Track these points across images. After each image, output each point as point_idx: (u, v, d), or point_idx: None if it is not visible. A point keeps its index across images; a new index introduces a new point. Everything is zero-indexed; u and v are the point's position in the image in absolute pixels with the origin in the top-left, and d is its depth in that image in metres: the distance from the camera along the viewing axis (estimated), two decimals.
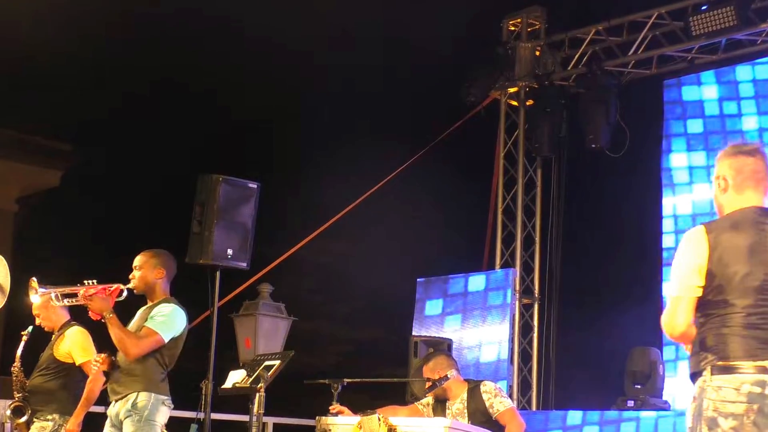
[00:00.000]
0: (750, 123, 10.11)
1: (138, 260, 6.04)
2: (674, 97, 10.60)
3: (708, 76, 10.46)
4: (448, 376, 6.83)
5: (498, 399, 6.67)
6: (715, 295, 3.93)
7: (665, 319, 4.01)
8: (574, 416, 9.59)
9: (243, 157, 10.70)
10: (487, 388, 6.74)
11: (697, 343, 3.95)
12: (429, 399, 6.91)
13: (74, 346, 6.68)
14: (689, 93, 10.54)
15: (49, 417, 6.61)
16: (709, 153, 10.26)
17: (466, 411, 6.72)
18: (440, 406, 6.89)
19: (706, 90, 10.45)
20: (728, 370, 3.84)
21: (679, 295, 3.98)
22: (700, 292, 3.95)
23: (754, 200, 4.08)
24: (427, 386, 7.06)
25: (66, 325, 6.77)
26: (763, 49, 10.10)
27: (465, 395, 6.78)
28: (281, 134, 11.47)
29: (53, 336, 6.80)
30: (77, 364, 6.64)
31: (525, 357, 10.91)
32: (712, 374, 3.85)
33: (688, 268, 3.97)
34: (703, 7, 9.82)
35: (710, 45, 10.27)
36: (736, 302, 3.90)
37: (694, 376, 3.95)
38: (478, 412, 6.66)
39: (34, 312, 6.79)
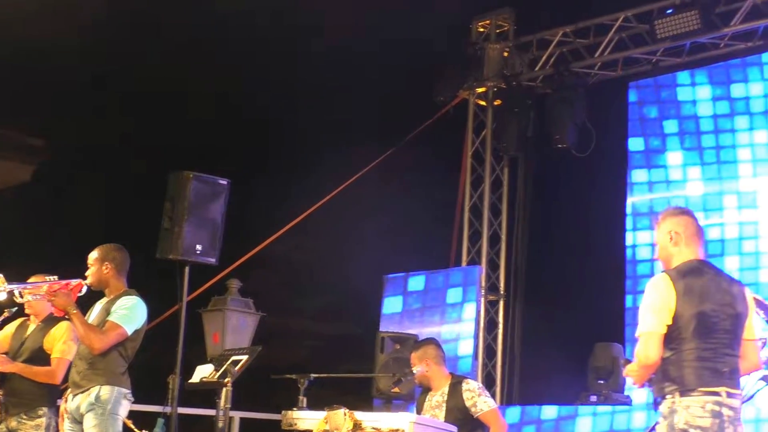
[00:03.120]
0: (708, 124, 10.30)
1: (90, 257, 6.13)
2: (638, 98, 10.77)
3: (669, 78, 10.64)
4: (414, 371, 6.97)
5: (482, 398, 6.81)
6: (678, 333, 4.66)
7: (642, 352, 4.68)
8: (534, 411, 9.75)
9: (214, 154, 10.75)
10: (470, 386, 6.88)
11: (660, 372, 4.68)
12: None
13: (60, 339, 6.46)
14: (654, 94, 10.71)
15: (40, 412, 6.37)
16: (670, 154, 10.46)
17: (444, 405, 6.85)
18: (423, 395, 7.03)
19: (664, 92, 10.63)
20: (692, 393, 4.60)
21: (654, 331, 4.67)
22: (666, 330, 4.67)
23: (698, 253, 4.93)
24: (394, 380, 7.20)
25: (53, 318, 6.55)
26: (726, 52, 10.29)
27: (447, 389, 6.90)
28: (251, 132, 11.52)
29: (34, 327, 6.56)
30: (52, 356, 6.46)
31: (490, 353, 11.07)
32: (680, 396, 4.60)
33: (660, 309, 4.69)
34: (669, 11, 10.00)
35: (675, 48, 10.45)
36: (694, 339, 4.65)
37: (658, 400, 4.67)
38: (456, 408, 6.79)
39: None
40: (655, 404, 4.73)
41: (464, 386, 6.85)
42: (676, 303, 4.67)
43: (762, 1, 9.77)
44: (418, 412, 6.98)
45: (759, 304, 6.38)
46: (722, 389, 4.64)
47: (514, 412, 9.81)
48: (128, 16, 10.36)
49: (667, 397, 4.63)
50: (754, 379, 6.14)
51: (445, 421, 6.64)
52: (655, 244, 4.99)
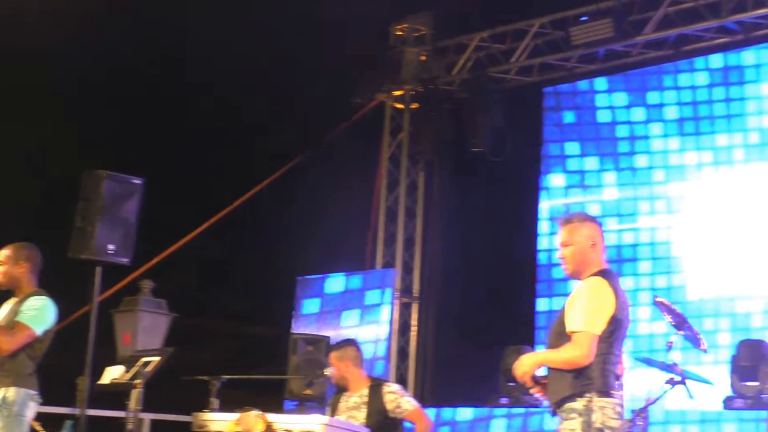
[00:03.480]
0: (623, 131, 10.49)
1: (1, 255, 6.01)
2: (555, 104, 10.94)
3: (586, 84, 10.82)
4: (332, 372, 6.98)
5: (405, 399, 6.88)
6: (605, 337, 4.74)
7: (583, 351, 4.68)
8: (448, 413, 9.82)
9: (129, 154, 10.61)
10: (392, 389, 6.94)
11: (576, 370, 4.72)
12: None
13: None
14: (571, 100, 10.88)
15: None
16: (585, 159, 10.63)
17: (365, 407, 6.85)
18: (337, 395, 7.03)
19: (581, 98, 10.81)
20: (607, 395, 4.71)
21: (595, 333, 4.71)
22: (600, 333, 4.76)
23: (606, 262, 5.01)
24: (306, 382, 7.19)
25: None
26: (639, 60, 10.50)
27: (366, 391, 6.92)
28: (168, 131, 11.41)
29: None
30: None
31: (403, 356, 11.12)
32: (597, 396, 4.68)
33: (602, 311, 4.75)
34: (583, 18, 10.16)
35: (590, 54, 10.62)
36: (612, 344, 4.77)
37: (572, 396, 4.71)
38: (377, 411, 6.81)
39: None
40: (561, 402, 4.73)
41: (386, 389, 6.90)
42: (614, 307, 4.75)
43: (673, 11, 9.98)
44: (332, 412, 6.99)
45: (666, 308, 6.53)
46: (620, 393, 4.79)
47: (429, 414, 9.84)
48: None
49: (585, 395, 4.68)
50: (661, 382, 6.29)
51: (366, 424, 6.69)
52: (563, 246, 4.97)
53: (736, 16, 9.73)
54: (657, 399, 6.33)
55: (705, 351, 6.82)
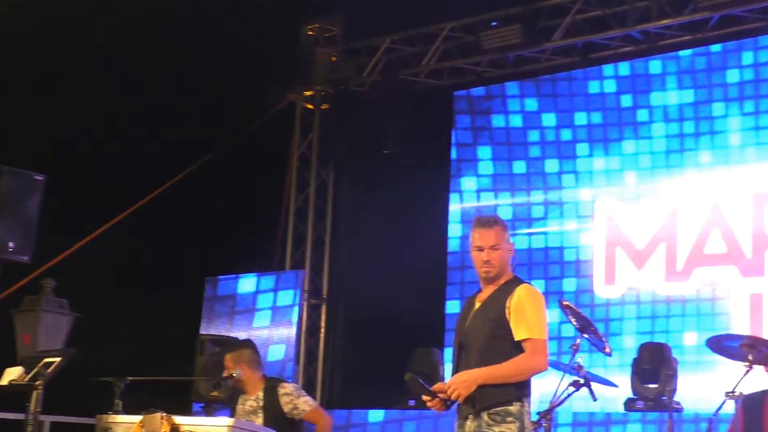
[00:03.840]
0: (534, 136, 10.61)
1: None
2: (466, 107, 11.01)
3: (498, 89, 10.92)
4: (234, 375, 6.89)
5: (301, 400, 6.79)
6: None
7: (546, 358, 4.87)
8: (358, 415, 9.82)
9: (30, 150, 10.38)
10: (287, 390, 6.83)
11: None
12: None
13: None
14: (482, 104, 10.96)
15: None
16: (496, 162, 10.72)
17: (261, 411, 6.79)
18: (234, 398, 6.95)
19: (492, 102, 10.90)
20: (529, 399, 4.88)
21: (546, 340, 4.88)
22: None
23: None
24: (213, 384, 7.10)
25: None
26: (547, 66, 10.63)
27: (261, 394, 6.85)
28: (74, 129, 11.20)
29: None
30: None
31: (311, 358, 11.08)
32: (527, 404, 4.84)
33: (546, 319, 4.92)
34: (493, 23, 10.26)
35: (499, 59, 10.72)
36: None
37: (510, 401, 4.78)
38: (273, 413, 6.74)
39: None
40: (492, 406, 4.77)
41: (281, 391, 6.81)
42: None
43: (581, 19, 10.14)
44: (232, 416, 6.91)
45: (571, 311, 6.61)
46: None
47: (340, 416, 9.83)
48: None
49: (523, 400, 4.81)
50: (565, 384, 6.36)
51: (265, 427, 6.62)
52: (492, 249, 4.97)
53: (641, 26, 9.93)
54: (561, 401, 6.39)
55: (609, 354, 6.92)
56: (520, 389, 4.82)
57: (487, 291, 5.02)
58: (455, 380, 4.84)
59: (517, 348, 4.84)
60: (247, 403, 6.86)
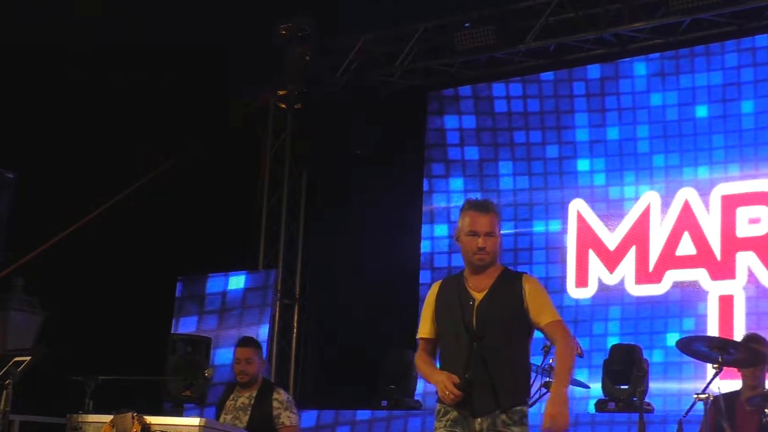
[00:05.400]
0: (504, 137, 10.66)
1: None
2: (438, 108, 11.04)
3: (468, 90, 10.96)
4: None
5: (287, 413, 6.83)
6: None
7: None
8: (328, 416, 9.82)
9: (1, 148, 10.32)
10: (280, 397, 6.89)
11: (525, 377, 4.80)
12: None
13: None
14: (455, 105, 11.00)
15: None
16: (468, 163, 10.76)
17: (250, 408, 6.81)
18: (226, 394, 6.96)
19: (465, 103, 10.94)
20: None
21: None
22: None
23: None
24: (186, 383, 7.09)
25: None
26: (520, 68, 10.68)
27: (255, 393, 6.87)
28: (44, 126, 11.13)
29: None
30: None
31: (284, 358, 11.06)
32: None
33: None
34: (467, 25, 10.29)
35: (473, 60, 10.76)
36: None
37: (523, 403, 4.71)
38: (261, 415, 6.78)
39: None
40: (513, 406, 4.66)
41: (275, 395, 6.86)
42: None
43: (554, 21, 10.19)
44: (219, 412, 6.92)
45: None
46: None
47: (310, 417, 9.83)
48: None
49: (527, 400, 4.76)
50: (537, 386, 6.39)
51: (247, 426, 6.66)
52: (488, 236, 4.75)
53: (613, 29, 10.00)
54: (533, 402, 6.42)
55: (580, 356, 6.96)
56: (527, 388, 4.81)
57: (483, 280, 4.78)
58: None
59: (530, 334, 4.78)
60: (239, 400, 6.89)
